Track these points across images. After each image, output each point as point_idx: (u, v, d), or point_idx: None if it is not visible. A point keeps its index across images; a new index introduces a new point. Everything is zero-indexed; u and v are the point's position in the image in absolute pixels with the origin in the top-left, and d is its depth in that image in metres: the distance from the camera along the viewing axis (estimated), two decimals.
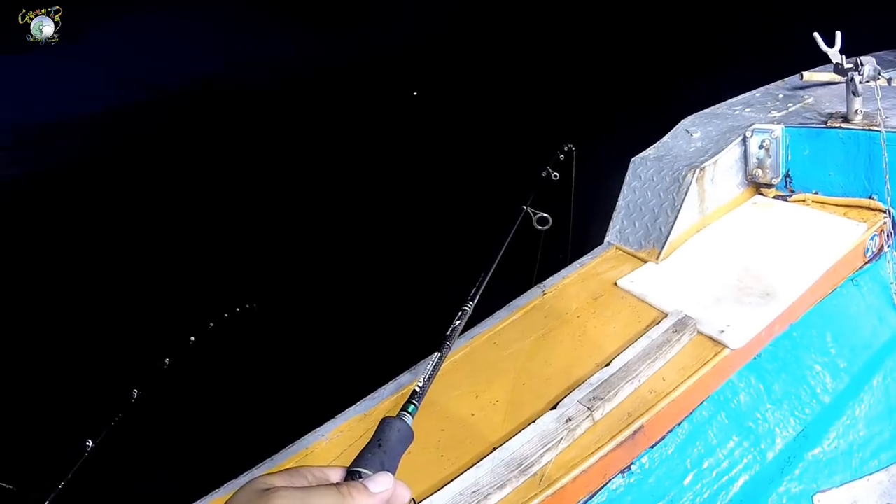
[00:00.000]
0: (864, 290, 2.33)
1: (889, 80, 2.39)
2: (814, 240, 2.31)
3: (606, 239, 2.62)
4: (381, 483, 0.83)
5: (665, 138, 2.81)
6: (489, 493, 1.54)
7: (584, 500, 1.66)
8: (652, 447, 1.77)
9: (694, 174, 2.42)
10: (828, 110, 2.64)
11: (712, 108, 3.05)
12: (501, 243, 1.84)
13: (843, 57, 2.49)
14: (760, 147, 2.57)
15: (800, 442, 1.99)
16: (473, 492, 1.55)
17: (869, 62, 2.42)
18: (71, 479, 2.44)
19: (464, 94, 11.51)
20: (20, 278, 7.37)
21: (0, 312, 6.29)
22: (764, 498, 1.88)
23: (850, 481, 2.05)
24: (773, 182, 2.60)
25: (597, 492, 1.68)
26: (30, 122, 13.10)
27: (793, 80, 3.18)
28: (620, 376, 1.81)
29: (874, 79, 2.42)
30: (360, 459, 0.88)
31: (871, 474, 2.07)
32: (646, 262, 2.41)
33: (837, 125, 2.45)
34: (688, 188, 2.41)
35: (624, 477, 1.72)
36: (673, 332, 1.95)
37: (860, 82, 2.40)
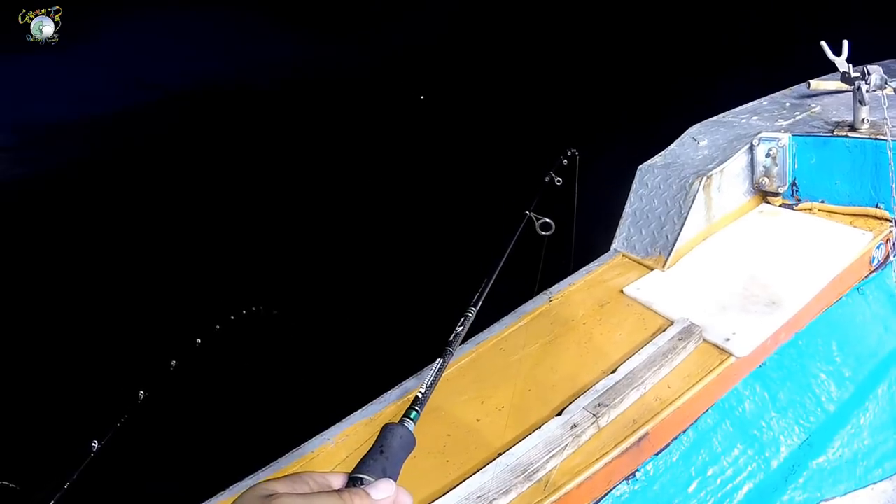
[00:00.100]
0: (869, 299, 2.33)
1: None
2: (820, 248, 2.32)
3: (613, 246, 2.62)
4: (382, 490, 0.84)
5: (672, 146, 2.81)
6: (494, 499, 1.54)
7: None
8: (657, 454, 1.77)
9: (701, 182, 2.43)
10: (835, 119, 2.64)
11: (719, 116, 3.06)
12: (504, 249, 1.85)
13: (850, 66, 2.50)
14: (767, 155, 2.57)
15: (804, 450, 1.99)
16: (478, 497, 1.56)
17: (876, 71, 2.42)
18: (76, 479, 2.45)
19: (469, 97, 11.50)
20: (27, 279, 7.38)
21: (7, 313, 6.30)
22: None
23: (854, 490, 2.05)
24: (779, 190, 2.60)
25: (601, 498, 1.68)
26: (34, 123, 13.10)
27: (800, 88, 3.18)
28: (626, 383, 1.82)
29: (881, 88, 2.42)
30: (361, 466, 0.88)
31: (875, 483, 2.08)
32: (652, 269, 2.41)
33: (844, 134, 2.46)
34: (694, 196, 2.42)
35: (629, 484, 1.73)
36: (679, 339, 1.96)
37: (867, 91, 2.40)
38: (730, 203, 2.60)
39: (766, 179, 2.60)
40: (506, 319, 2.29)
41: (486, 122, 9.97)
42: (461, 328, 1.40)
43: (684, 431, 1.83)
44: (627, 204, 2.64)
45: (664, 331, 2.03)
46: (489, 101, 11.07)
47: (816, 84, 3.02)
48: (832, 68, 2.58)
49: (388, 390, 2.04)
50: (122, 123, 13.16)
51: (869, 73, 2.41)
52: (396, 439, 0.94)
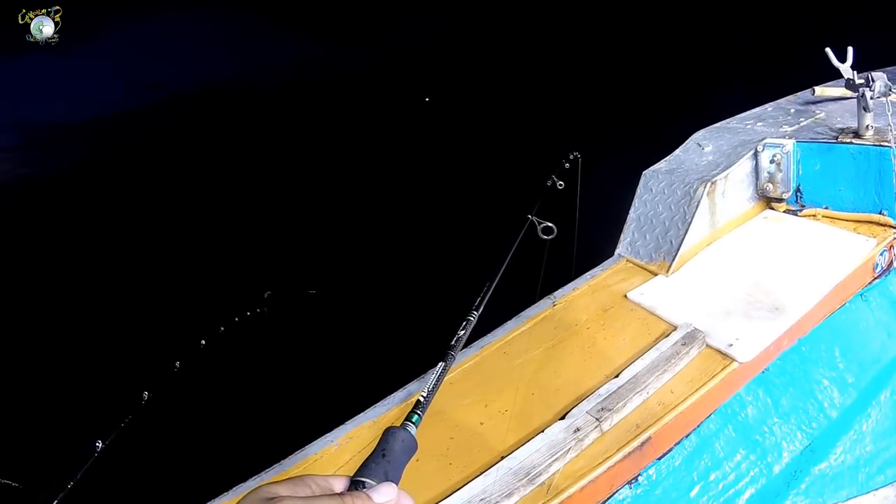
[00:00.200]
0: (872, 306, 2.33)
1: None
2: (823, 255, 2.32)
3: (617, 251, 2.63)
4: (384, 493, 0.84)
5: (676, 152, 2.82)
6: (497, 502, 1.55)
7: None
8: (659, 459, 1.78)
9: (705, 188, 2.43)
10: (839, 125, 2.65)
11: (724, 122, 3.06)
12: (506, 253, 1.85)
13: (855, 72, 2.51)
14: (771, 161, 2.58)
15: (806, 456, 1.99)
16: (481, 500, 1.57)
17: (880, 78, 2.43)
18: (80, 479, 2.45)
19: (472, 99, 11.51)
20: (31, 279, 7.40)
21: (11, 313, 6.31)
22: None
23: (856, 496, 2.05)
24: (783, 196, 2.60)
25: (604, 502, 1.68)
26: (36, 123, 13.12)
27: (804, 94, 3.18)
28: (629, 388, 1.83)
29: (885, 94, 2.43)
30: (363, 469, 0.89)
31: (877, 489, 2.08)
32: (656, 274, 2.42)
33: (848, 140, 2.46)
34: (699, 202, 2.42)
35: (631, 488, 1.73)
36: (682, 344, 1.97)
37: (871, 98, 2.40)
38: (734, 209, 2.60)
39: (771, 185, 2.60)
40: (509, 323, 2.29)
41: (489, 125, 9.97)
42: (463, 332, 1.40)
43: (687, 436, 1.83)
44: (632, 209, 2.65)
45: (667, 336, 2.04)
46: (492, 103, 11.07)
47: (821, 90, 3.03)
48: (836, 73, 2.59)
49: (391, 393, 2.04)
50: (123, 124, 13.18)
51: (873, 80, 2.41)
52: (398, 443, 0.94)
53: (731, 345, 1.95)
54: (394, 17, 15.93)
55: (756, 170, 2.63)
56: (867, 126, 2.44)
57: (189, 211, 8.76)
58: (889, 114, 2.38)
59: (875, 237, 2.35)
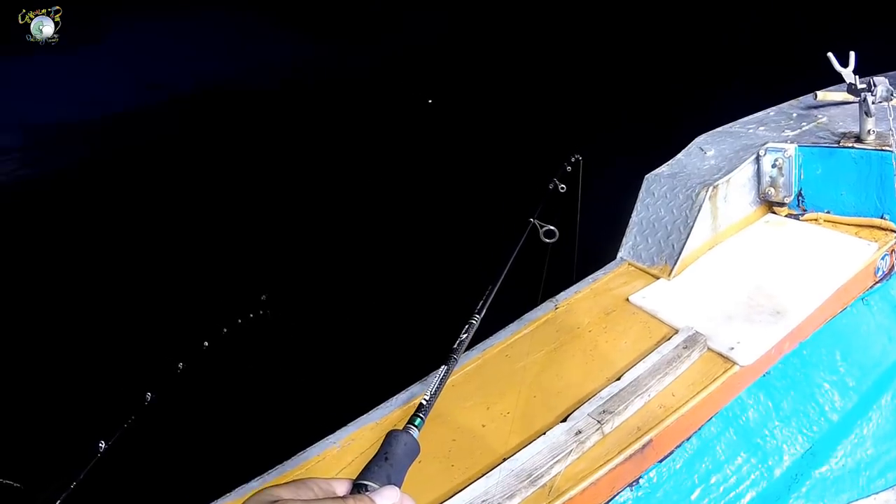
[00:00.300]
0: (874, 310, 2.34)
1: None
2: (825, 259, 2.33)
3: (619, 255, 2.63)
4: (387, 496, 0.85)
5: (679, 156, 2.82)
6: (499, 503, 1.56)
7: None
8: (660, 461, 1.78)
9: (707, 192, 2.44)
10: (841, 130, 2.65)
11: (726, 126, 3.07)
12: (508, 257, 1.86)
13: (857, 77, 2.51)
14: (773, 166, 2.58)
15: (807, 459, 2.00)
16: (483, 501, 1.57)
17: (882, 83, 2.43)
18: (83, 479, 2.46)
19: (475, 101, 11.51)
20: (34, 280, 7.41)
21: (15, 313, 6.32)
22: None
23: (856, 500, 2.06)
24: (785, 201, 2.61)
25: None
26: (39, 123, 13.13)
27: (807, 99, 3.19)
28: (630, 391, 1.83)
29: (887, 99, 2.43)
30: (366, 472, 0.89)
31: (877, 493, 2.08)
32: (658, 278, 2.43)
33: (850, 145, 2.47)
34: (700, 206, 2.43)
35: (632, 490, 1.74)
36: (683, 347, 1.97)
37: (873, 103, 2.41)
38: (736, 213, 2.61)
39: (773, 190, 2.61)
40: (512, 326, 2.30)
41: (491, 126, 9.97)
42: (465, 335, 1.41)
43: (688, 439, 1.84)
44: (634, 213, 2.65)
45: (669, 339, 2.04)
46: (494, 105, 11.08)
47: (823, 95, 3.03)
48: (840, 79, 2.59)
49: (394, 395, 2.05)
50: (125, 124, 13.19)
51: (875, 85, 2.42)
52: (401, 446, 0.95)
53: (733, 348, 1.96)
54: (395, 17, 15.94)
55: (758, 174, 2.64)
56: (869, 130, 2.45)
57: (191, 211, 8.77)
58: (891, 118, 2.39)
59: (876, 241, 2.36)
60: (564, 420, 1.78)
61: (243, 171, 10.08)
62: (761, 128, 2.92)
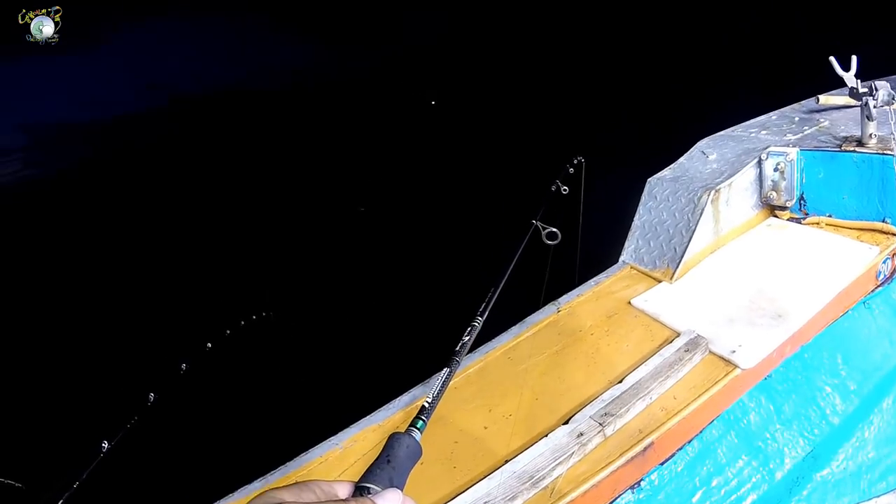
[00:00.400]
0: (875, 314, 2.34)
1: None
2: (827, 262, 2.33)
3: (621, 258, 2.64)
4: (389, 499, 0.84)
5: (681, 159, 2.83)
6: None
7: None
8: (662, 464, 1.79)
9: (709, 196, 2.45)
10: (843, 134, 2.66)
11: (728, 130, 3.07)
12: (510, 258, 1.86)
13: (859, 81, 2.52)
14: (775, 170, 2.59)
15: (809, 463, 2.00)
16: (485, 503, 1.58)
17: (883, 87, 2.44)
18: (85, 479, 2.47)
19: (478, 103, 11.52)
20: (38, 280, 7.42)
21: (18, 314, 6.33)
22: None
23: (858, 503, 2.06)
24: (787, 204, 2.61)
25: None
26: (42, 124, 13.15)
27: (809, 103, 3.19)
28: (632, 393, 1.84)
29: (888, 103, 2.44)
30: (368, 475, 0.89)
31: (879, 496, 2.09)
32: (660, 281, 2.43)
33: (852, 149, 2.47)
34: (703, 209, 2.44)
35: (633, 493, 1.74)
36: (685, 351, 1.98)
37: (874, 107, 2.41)
38: (738, 217, 2.61)
39: (774, 193, 2.61)
40: (514, 329, 2.31)
41: (494, 128, 9.98)
42: (467, 338, 1.41)
43: (689, 442, 1.84)
44: (636, 216, 2.66)
45: (671, 342, 2.05)
46: (497, 107, 11.08)
47: (825, 99, 3.04)
48: (842, 83, 2.60)
49: (396, 397, 2.06)
50: (126, 125, 13.20)
51: (876, 89, 2.42)
52: (403, 449, 0.94)
53: (734, 351, 1.96)
54: (396, 18, 15.94)
55: (760, 178, 2.64)
56: (870, 134, 2.45)
57: (193, 213, 8.78)
58: (892, 122, 2.39)
59: (878, 245, 2.36)
60: (566, 422, 1.78)
61: (245, 172, 10.09)
62: (763, 131, 2.93)
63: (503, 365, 2.15)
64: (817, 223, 2.58)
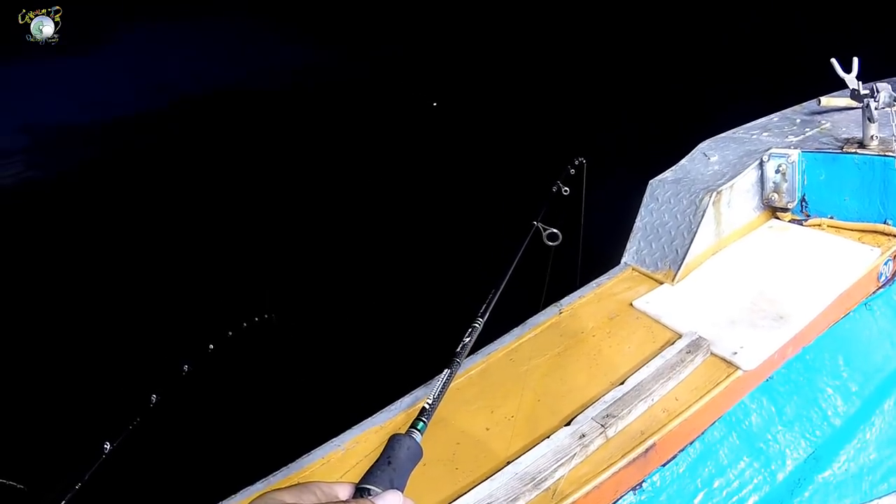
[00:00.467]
0: (877, 315, 2.34)
1: None
2: (828, 264, 2.33)
3: (623, 259, 2.64)
4: (389, 501, 0.84)
5: (683, 161, 2.83)
6: None
7: None
8: (663, 465, 1.79)
9: (710, 197, 2.45)
10: (844, 135, 2.66)
11: (730, 131, 3.08)
12: (511, 259, 1.87)
13: (860, 83, 2.52)
14: (777, 171, 2.59)
15: (810, 464, 2.00)
16: None
17: (885, 89, 2.44)
18: (88, 480, 2.47)
19: (480, 104, 11.51)
20: (40, 282, 7.43)
21: (20, 316, 6.34)
22: None
23: None
24: (788, 206, 2.62)
25: None
26: (44, 126, 13.14)
27: (810, 104, 3.19)
28: (634, 395, 1.84)
29: (890, 105, 2.44)
30: (369, 476, 0.89)
31: (880, 497, 2.09)
32: (661, 283, 2.43)
33: (853, 150, 2.48)
34: (704, 211, 2.44)
35: (635, 494, 1.75)
36: (686, 352, 1.98)
37: (876, 108, 2.42)
38: (739, 218, 2.62)
39: (776, 195, 2.62)
40: (516, 330, 2.31)
41: (495, 129, 9.98)
42: (468, 339, 1.41)
43: (691, 443, 1.85)
44: (638, 218, 2.66)
45: (672, 344, 2.05)
46: (498, 108, 11.08)
47: (827, 100, 3.04)
48: (844, 85, 2.60)
49: (398, 398, 2.06)
50: (128, 127, 13.19)
51: (878, 91, 2.43)
52: (403, 450, 0.95)
53: (736, 353, 1.96)
54: (397, 19, 15.94)
55: (761, 179, 2.64)
56: (872, 136, 2.45)
57: (195, 214, 8.78)
58: (893, 124, 2.40)
59: (879, 247, 2.36)
60: (568, 424, 1.79)
61: (247, 174, 10.10)
62: (765, 133, 2.93)
63: (505, 366, 2.15)
64: (819, 225, 2.58)
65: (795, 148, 2.60)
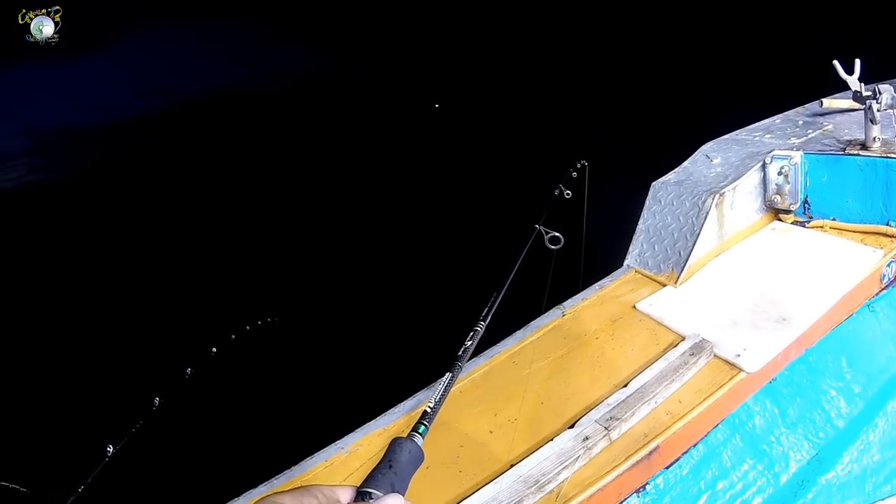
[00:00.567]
0: (879, 317, 2.34)
1: None
2: (831, 266, 2.33)
3: (626, 262, 2.64)
4: None
5: (685, 163, 2.83)
6: None
7: None
8: (667, 468, 1.79)
9: (713, 199, 2.45)
10: (846, 137, 2.66)
11: (732, 133, 3.07)
12: (513, 263, 1.87)
13: (862, 84, 2.52)
14: (779, 173, 2.59)
15: (813, 466, 2.00)
16: None
17: (887, 90, 2.44)
18: (90, 483, 2.47)
19: (482, 106, 11.52)
20: (43, 284, 7.43)
21: (23, 318, 6.35)
22: None
23: None
24: (791, 208, 2.62)
25: None
26: (46, 128, 13.15)
27: (813, 106, 3.19)
28: (637, 397, 1.84)
29: (892, 107, 2.44)
30: (370, 480, 0.90)
31: (884, 499, 2.08)
32: (664, 285, 2.43)
33: (855, 152, 2.47)
34: (707, 213, 2.44)
35: (639, 496, 1.74)
36: (690, 354, 1.98)
37: (878, 110, 2.42)
38: (742, 220, 2.62)
39: (779, 197, 2.62)
40: (518, 333, 2.31)
41: (497, 131, 9.98)
42: (470, 342, 1.41)
43: (694, 445, 1.85)
44: (640, 220, 2.66)
45: (676, 346, 2.05)
46: (500, 110, 11.08)
47: (829, 102, 3.04)
48: (846, 86, 2.60)
49: (400, 401, 2.06)
50: (130, 129, 13.20)
51: (880, 92, 2.43)
52: (405, 454, 0.95)
53: (739, 355, 1.96)
54: (397, 20, 15.94)
55: (764, 181, 2.64)
56: (874, 138, 2.45)
57: (198, 217, 8.79)
58: (895, 126, 2.39)
59: (882, 248, 2.36)
60: (572, 426, 1.79)
61: (250, 176, 10.10)
62: (767, 135, 2.93)
63: (508, 369, 2.15)
64: (821, 227, 2.58)
65: (798, 150, 2.60)
